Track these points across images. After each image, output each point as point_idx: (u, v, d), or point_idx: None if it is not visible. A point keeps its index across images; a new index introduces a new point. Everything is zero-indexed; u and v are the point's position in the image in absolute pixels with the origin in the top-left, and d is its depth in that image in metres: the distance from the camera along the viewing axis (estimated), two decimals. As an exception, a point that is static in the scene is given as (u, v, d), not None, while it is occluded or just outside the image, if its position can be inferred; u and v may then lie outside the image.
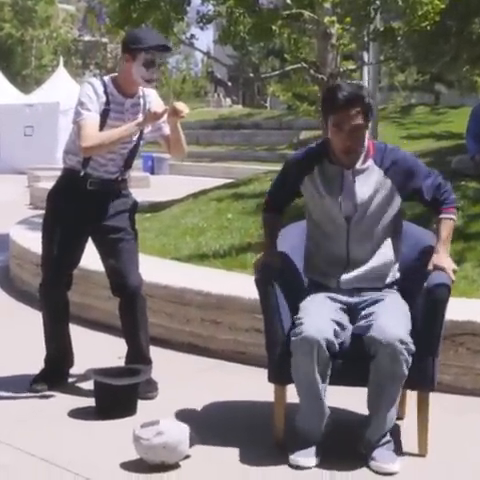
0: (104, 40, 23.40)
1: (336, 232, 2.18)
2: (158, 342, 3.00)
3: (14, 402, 2.52)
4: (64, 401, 2.50)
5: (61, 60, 16.38)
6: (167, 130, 2.56)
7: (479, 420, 2.41)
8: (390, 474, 1.99)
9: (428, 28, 5.60)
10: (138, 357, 2.58)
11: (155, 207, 5.46)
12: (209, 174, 12.47)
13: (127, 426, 2.16)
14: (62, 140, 2.62)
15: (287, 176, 2.27)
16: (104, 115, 2.45)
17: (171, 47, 2.65)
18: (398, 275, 2.21)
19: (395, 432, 2.11)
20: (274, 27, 6.04)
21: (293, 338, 2.03)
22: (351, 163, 2.14)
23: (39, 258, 2.69)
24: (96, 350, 3.00)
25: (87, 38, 24.28)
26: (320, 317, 2.05)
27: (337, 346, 2.04)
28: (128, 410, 2.40)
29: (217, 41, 7.30)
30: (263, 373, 2.20)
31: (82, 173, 2.52)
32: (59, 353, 2.67)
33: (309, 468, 2.02)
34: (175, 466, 2.04)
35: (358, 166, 2.15)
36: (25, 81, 21.03)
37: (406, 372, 1.99)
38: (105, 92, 2.46)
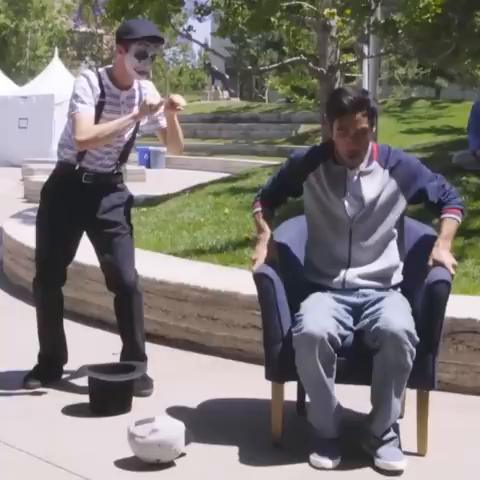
0: (100, 31, 23.26)
1: (338, 232, 2.17)
2: (154, 338, 2.98)
3: (7, 399, 2.49)
4: (58, 398, 2.47)
5: (56, 51, 16.25)
6: (164, 123, 2.52)
7: (479, 418, 2.39)
8: (397, 472, 1.98)
9: (429, 21, 5.56)
10: (133, 353, 2.55)
11: (151, 201, 5.42)
12: (206, 168, 12.43)
13: (122, 423, 2.14)
14: (57, 133, 2.59)
15: (290, 172, 2.26)
16: (99, 107, 2.42)
17: (163, 38, 2.60)
18: (401, 277, 2.20)
19: (395, 429, 2.09)
20: (273, 19, 5.99)
21: (294, 334, 2.02)
22: (355, 165, 2.16)
23: (33, 252, 2.66)
24: (91, 346, 2.97)
25: (83, 29, 24.12)
26: (321, 313, 2.04)
27: (340, 341, 2.03)
28: (123, 407, 2.37)
29: (215, 33, 7.24)
30: (260, 370, 2.17)
31: (77, 166, 2.49)
32: (53, 349, 2.64)
33: (330, 469, 2.00)
34: (170, 464, 2.02)
35: (363, 168, 2.17)
36: (19, 72, 20.92)
37: (411, 363, 1.98)
38: (100, 84, 2.42)
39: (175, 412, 2.31)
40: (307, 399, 2.13)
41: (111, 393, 2.35)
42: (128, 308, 2.53)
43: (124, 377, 2.38)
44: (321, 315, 2.02)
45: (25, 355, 2.69)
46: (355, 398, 2.22)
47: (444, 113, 13.21)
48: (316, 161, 2.19)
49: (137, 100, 2.49)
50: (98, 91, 2.41)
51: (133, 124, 2.46)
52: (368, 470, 2.00)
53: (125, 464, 2.01)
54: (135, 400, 2.42)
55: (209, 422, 2.31)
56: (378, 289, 2.15)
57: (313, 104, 13.14)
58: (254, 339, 2.76)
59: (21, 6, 21.76)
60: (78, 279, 3.35)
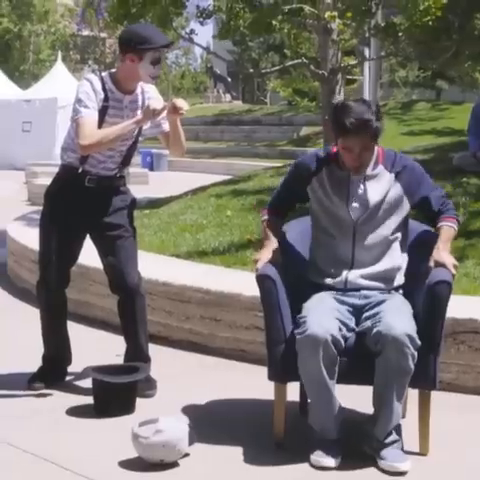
0: (103, 35, 23.31)
1: (342, 234, 2.18)
2: (157, 340, 2.99)
3: (12, 400, 2.51)
4: (62, 399, 2.49)
5: (59, 55, 16.31)
6: (166, 127, 2.54)
7: (481, 419, 2.40)
8: (401, 473, 1.99)
9: (430, 23, 5.58)
10: (137, 355, 2.57)
11: (154, 203, 5.44)
12: (208, 170, 12.45)
13: (126, 424, 2.16)
14: (60, 136, 2.61)
15: (295, 178, 2.28)
16: (103, 112, 2.43)
17: (173, 42, 2.65)
18: (403, 279, 2.22)
19: (398, 430, 2.10)
20: (274, 22, 6.02)
21: (298, 336, 2.03)
22: (360, 173, 2.18)
23: (37, 255, 2.68)
24: (94, 348, 2.99)
25: (85, 33, 24.18)
26: (324, 314, 2.05)
27: (343, 343, 2.04)
28: (127, 408, 2.39)
29: (217, 36, 7.27)
30: (263, 371, 2.19)
31: (80, 170, 2.51)
32: (57, 351, 2.66)
33: (331, 468, 2.01)
34: (174, 464, 2.03)
35: (369, 171, 2.19)
36: (23, 76, 20.97)
37: (412, 367, 2.00)
38: (103, 89, 2.44)
39: (179, 413, 2.32)
40: (309, 400, 2.14)
41: (115, 394, 2.37)
42: (131, 310, 2.54)
43: (128, 378, 2.40)
44: (324, 317, 2.03)
45: (29, 357, 2.70)
46: (356, 398, 2.23)
47: (445, 115, 13.21)
48: (319, 166, 2.21)
49: (140, 104, 2.51)
50: (101, 95, 2.43)
51: (136, 128, 2.48)
52: (372, 470, 2.01)
53: (129, 464, 2.03)
54: (139, 401, 2.43)
55: (212, 422, 2.32)
56: (380, 291, 2.16)
57: (315, 106, 13.17)
58: (257, 340, 2.77)
59: (24, 10, 21.85)
60: (82, 281, 3.37)
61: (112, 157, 2.52)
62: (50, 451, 2.10)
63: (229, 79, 21.40)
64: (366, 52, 7.00)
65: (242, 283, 3.02)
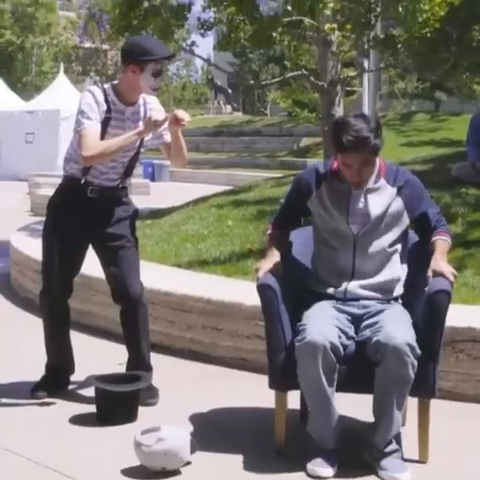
0: (104, 47, 23.48)
1: (343, 246, 2.20)
2: (159, 349, 3.00)
3: (16, 409, 2.52)
4: (65, 408, 2.50)
5: (61, 67, 16.45)
6: (168, 138, 2.57)
7: (480, 427, 2.42)
8: None
9: (428, 35, 5.63)
10: (139, 364, 2.58)
11: (156, 214, 5.47)
12: (209, 181, 12.50)
13: (128, 432, 2.17)
14: (63, 147, 2.65)
15: (295, 193, 2.30)
16: (105, 123, 2.47)
17: (175, 54, 2.68)
18: (402, 289, 2.24)
19: (397, 439, 2.11)
20: (274, 34, 6.07)
21: (297, 344, 2.05)
22: (360, 187, 2.19)
23: (40, 265, 2.70)
24: (97, 357, 3.00)
25: (87, 45, 24.36)
26: (323, 322, 2.07)
27: (342, 350, 2.06)
28: (129, 417, 2.40)
29: (217, 48, 7.34)
30: (264, 379, 2.20)
31: (83, 181, 2.53)
32: (60, 360, 2.67)
33: (327, 478, 2.01)
34: (176, 472, 2.04)
35: (370, 185, 2.20)
36: (25, 88, 21.09)
37: (413, 376, 2.01)
38: (106, 100, 2.47)
39: (180, 421, 2.34)
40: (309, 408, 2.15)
41: (117, 403, 2.38)
42: (134, 319, 2.56)
43: (130, 387, 2.41)
44: (324, 324, 2.05)
45: (32, 366, 2.72)
46: (356, 406, 2.24)
47: (443, 126, 13.27)
48: (319, 180, 2.22)
49: (142, 115, 2.54)
50: (104, 107, 2.46)
51: (138, 140, 2.51)
52: (371, 479, 2.02)
53: (131, 473, 2.04)
54: (141, 409, 2.44)
55: (214, 430, 2.33)
56: (379, 301, 2.18)
57: (314, 118, 13.23)
58: (258, 349, 2.78)
59: (27, 22, 22.03)
60: (84, 291, 3.38)
61: (114, 168, 2.55)
62: (53, 459, 2.11)
63: (230, 90, 21.53)
64: (365, 64, 7.05)
65: (243, 292, 3.03)
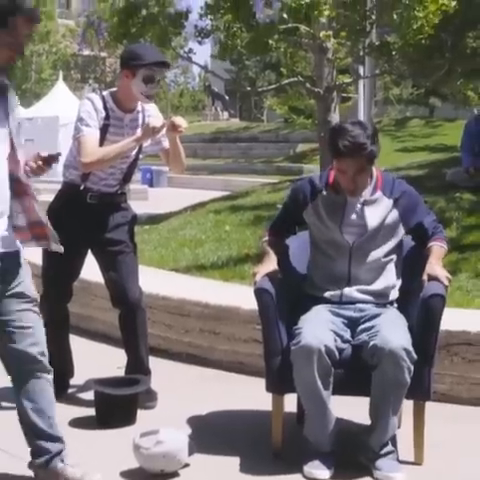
0: (103, 55, 23.54)
1: (339, 255, 2.23)
2: (157, 352, 3.03)
3: (16, 412, 2.54)
4: (65, 411, 2.51)
5: (60, 74, 16.48)
6: (166, 144, 2.60)
7: (474, 429, 2.43)
8: None
9: (423, 42, 5.69)
10: (138, 367, 2.60)
11: (154, 219, 5.50)
12: (207, 187, 12.53)
13: (127, 435, 2.19)
14: (62, 153, 2.66)
15: (291, 203, 2.32)
16: (104, 130, 2.49)
17: (170, 63, 2.70)
18: (398, 293, 2.26)
19: (393, 441, 2.13)
20: (271, 41, 6.13)
21: (292, 347, 2.07)
22: (355, 195, 2.20)
23: (40, 270, 2.72)
24: (96, 360, 3.02)
25: (86, 53, 24.44)
26: (319, 326, 2.09)
27: (337, 354, 2.08)
28: (128, 419, 2.42)
29: (215, 55, 7.40)
30: (261, 383, 2.22)
31: (82, 187, 2.56)
32: (60, 364, 2.68)
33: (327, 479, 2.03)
34: (174, 474, 2.06)
35: (367, 197, 2.21)
36: (25, 95, 21.11)
37: (409, 380, 2.02)
38: (105, 107, 2.50)
39: (179, 424, 2.35)
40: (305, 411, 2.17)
41: (116, 406, 2.40)
42: (132, 324, 2.58)
43: (129, 390, 2.43)
44: (319, 328, 2.07)
45: (32, 370, 2.74)
46: (353, 409, 2.26)
47: (438, 132, 13.34)
48: (314, 192, 2.24)
49: (140, 122, 2.56)
50: (103, 114, 2.48)
51: (136, 146, 2.54)
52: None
53: (130, 475, 2.06)
54: (140, 413, 2.46)
55: (212, 433, 2.36)
56: (375, 305, 2.20)
57: (310, 124, 13.29)
58: (255, 352, 2.80)
59: (26, 31, 22.04)
60: (84, 295, 3.40)
61: (113, 174, 2.58)
62: (53, 462, 2.13)
63: (227, 97, 21.59)
64: (361, 70, 7.10)
65: (240, 297, 3.05)
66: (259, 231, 4.03)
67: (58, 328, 2.67)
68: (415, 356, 2.02)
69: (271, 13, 6.45)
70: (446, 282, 2.15)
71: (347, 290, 2.21)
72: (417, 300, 2.14)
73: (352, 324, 2.18)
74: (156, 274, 3.69)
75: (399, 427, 2.24)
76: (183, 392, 2.74)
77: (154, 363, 2.70)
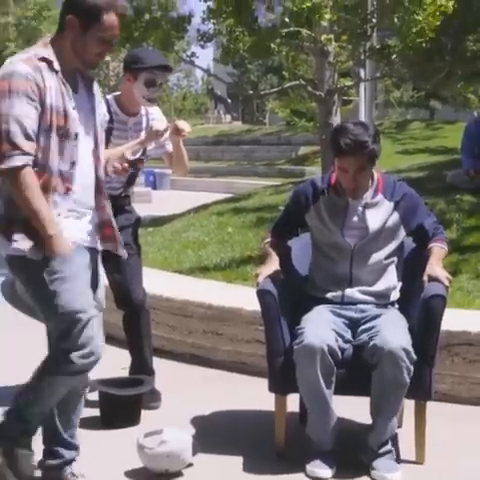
0: (106, 58, 23.61)
1: (340, 258, 2.24)
2: (161, 353, 3.04)
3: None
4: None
5: (64, 78, 16.50)
6: (170, 147, 2.62)
7: (475, 428, 2.45)
8: None
9: (423, 45, 5.72)
10: (142, 368, 2.63)
11: (157, 221, 5.53)
12: (210, 189, 12.55)
13: (131, 435, 2.21)
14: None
15: (293, 205, 2.34)
16: (107, 133, 2.50)
17: (172, 67, 2.73)
18: (398, 294, 2.28)
19: (393, 440, 2.15)
20: (273, 45, 6.17)
21: (295, 347, 2.08)
22: (357, 197, 2.21)
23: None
24: (101, 361, 3.04)
25: (89, 56, 24.48)
26: (321, 325, 2.11)
27: (339, 353, 2.09)
28: (132, 420, 2.44)
29: (217, 59, 7.44)
30: (264, 383, 2.24)
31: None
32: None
33: (326, 479, 2.05)
34: (178, 474, 2.08)
35: (368, 199, 2.23)
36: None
37: (408, 380, 2.04)
38: (109, 111, 2.52)
39: (182, 424, 2.37)
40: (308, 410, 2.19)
41: (121, 406, 2.42)
42: (136, 325, 2.60)
43: (133, 391, 2.45)
44: (321, 328, 2.09)
45: (37, 371, 2.77)
46: (356, 408, 2.27)
47: (438, 134, 13.34)
48: (316, 194, 2.25)
49: (144, 126, 2.59)
50: (106, 117, 2.51)
51: (140, 150, 2.57)
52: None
53: (135, 474, 2.08)
54: (144, 413, 2.48)
55: (215, 433, 2.37)
56: (376, 305, 2.22)
57: (312, 126, 13.32)
58: (258, 353, 2.82)
59: (30, 35, 22.15)
60: (87, 297, 3.44)
61: (118, 177, 2.60)
62: (58, 461, 2.15)
63: (229, 100, 21.63)
64: (362, 73, 7.13)
65: (243, 298, 3.08)
66: (261, 233, 4.05)
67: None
68: (414, 356, 2.04)
69: (273, 17, 6.49)
70: (447, 283, 2.16)
71: (349, 291, 2.23)
72: (418, 301, 2.16)
73: (353, 325, 2.20)
74: (160, 276, 3.71)
75: (400, 426, 2.26)
76: (187, 392, 2.76)
77: (158, 364, 2.72)
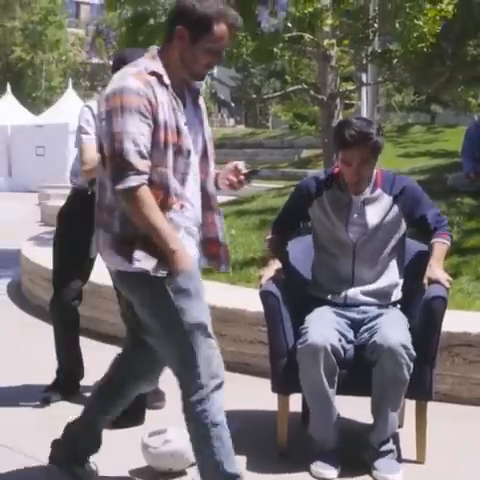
0: (111, 63, 23.66)
1: (342, 254, 2.26)
2: (165, 354, 3.08)
3: (27, 412, 2.59)
4: (75, 411, 2.53)
5: (70, 82, 16.61)
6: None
7: (475, 428, 2.47)
8: None
9: (424, 50, 5.75)
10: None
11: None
12: (213, 192, 12.52)
13: (136, 435, 2.23)
14: (72, 159, 2.75)
15: (296, 199, 2.35)
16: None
17: None
18: (401, 294, 2.30)
19: (394, 439, 2.17)
20: (275, 49, 6.19)
21: (299, 346, 2.10)
22: (359, 192, 2.23)
23: (50, 273, 2.79)
24: (106, 362, 3.06)
25: (95, 61, 24.60)
26: (324, 325, 2.13)
27: (342, 353, 2.11)
28: (137, 419, 2.47)
29: (222, 64, 7.46)
30: (267, 383, 2.26)
31: (90, 192, 2.62)
32: (70, 365, 2.74)
33: (332, 479, 2.06)
34: (182, 473, 2.11)
35: (368, 195, 2.24)
36: (35, 103, 21.26)
37: (408, 377, 2.05)
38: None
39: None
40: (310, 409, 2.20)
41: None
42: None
43: (137, 391, 2.49)
44: (324, 327, 2.11)
45: (44, 371, 2.79)
46: (358, 408, 2.29)
47: (439, 138, 13.35)
48: (320, 188, 2.27)
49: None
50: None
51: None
52: (370, 479, 2.07)
53: (139, 473, 2.11)
54: (148, 413, 2.51)
55: (218, 432, 2.40)
56: (378, 306, 2.24)
57: (314, 130, 13.35)
58: (260, 354, 2.84)
59: (36, 40, 22.26)
60: (93, 298, 3.45)
61: None
62: (64, 460, 2.17)
63: (232, 104, 21.68)
64: (363, 78, 7.16)
65: (246, 299, 3.10)
66: (264, 235, 4.07)
67: (68, 330, 2.72)
68: (414, 353, 2.05)
69: (276, 22, 6.52)
70: (447, 285, 2.18)
71: (351, 292, 2.24)
72: (419, 302, 2.18)
73: (355, 325, 2.22)
74: (163, 278, 3.74)
75: (401, 426, 2.28)
76: (190, 393, 2.79)
77: (162, 364, 2.75)
